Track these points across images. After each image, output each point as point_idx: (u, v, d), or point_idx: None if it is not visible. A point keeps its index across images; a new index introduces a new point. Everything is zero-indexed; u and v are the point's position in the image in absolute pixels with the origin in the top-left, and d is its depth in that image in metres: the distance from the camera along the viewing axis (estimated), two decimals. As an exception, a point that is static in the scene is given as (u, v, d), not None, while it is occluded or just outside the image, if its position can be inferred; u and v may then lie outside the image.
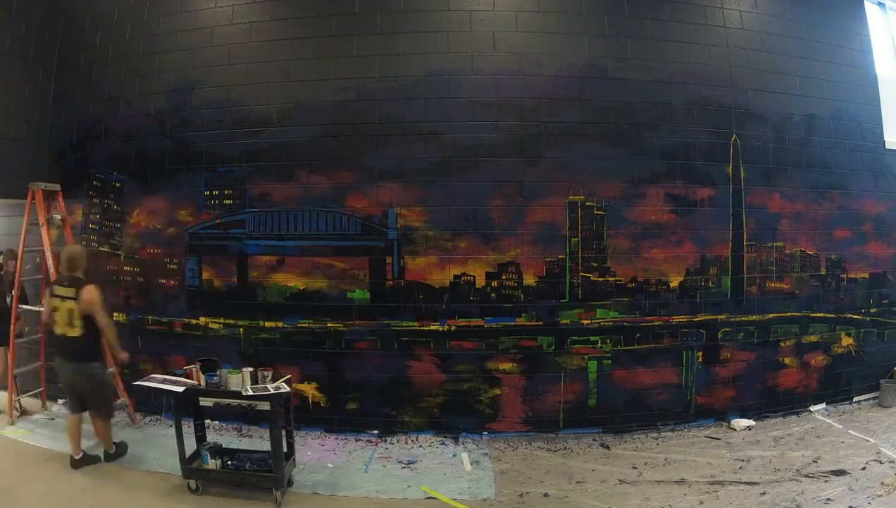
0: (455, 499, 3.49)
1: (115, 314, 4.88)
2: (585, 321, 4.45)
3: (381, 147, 4.44)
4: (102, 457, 3.93)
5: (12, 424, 4.53)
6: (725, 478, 3.67)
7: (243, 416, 4.54)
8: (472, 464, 4.00)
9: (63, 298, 3.74)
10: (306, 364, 4.49)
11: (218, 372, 3.42)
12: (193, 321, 4.68)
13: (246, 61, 4.61)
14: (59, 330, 3.78)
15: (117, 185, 4.91)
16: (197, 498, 3.44)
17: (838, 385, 5.01)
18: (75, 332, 3.73)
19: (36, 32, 5.00)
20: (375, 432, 4.46)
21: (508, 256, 4.41)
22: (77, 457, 3.81)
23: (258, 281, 4.54)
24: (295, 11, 4.61)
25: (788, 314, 4.80)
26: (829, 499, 3.29)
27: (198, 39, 4.72)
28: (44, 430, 4.52)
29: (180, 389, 3.43)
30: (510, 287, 4.42)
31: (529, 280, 4.42)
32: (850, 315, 5.02)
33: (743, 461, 3.94)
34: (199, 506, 3.37)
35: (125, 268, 4.87)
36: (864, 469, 3.72)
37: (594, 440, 4.38)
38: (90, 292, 3.72)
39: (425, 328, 4.42)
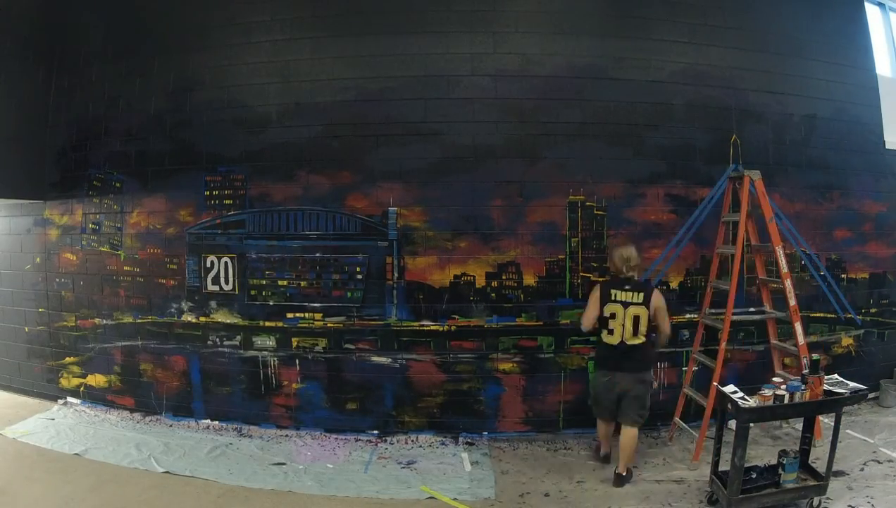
0: (455, 499, 3.50)
1: (116, 314, 4.90)
2: (586, 321, 4.45)
3: (381, 147, 4.43)
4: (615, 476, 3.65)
5: None
6: (725, 478, 3.67)
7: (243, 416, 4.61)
8: (472, 464, 4.01)
9: (626, 303, 3.57)
10: (306, 364, 4.50)
11: None
12: (193, 321, 4.69)
13: (246, 61, 4.61)
14: (614, 340, 3.60)
15: (117, 185, 4.91)
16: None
17: (838, 385, 5.01)
18: (639, 340, 3.57)
19: (36, 32, 5.00)
20: (375, 432, 4.47)
21: (508, 256, 4.41)
22: (620, 472, 3.62)
23: (259, 281, 4.55)
24: (295, 11, 4.60)
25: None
26: (828, 499, 3.29)
27: (198, 39, 4.72)
28: (43, 430, 4.52)
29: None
30: (510, 287, 4.42)
31: (529, 280, 4.43)
32: (850, 315, 5.02)
33: (743, 461, 3.94)
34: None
35: (125, 268, 4.87)
36: (862, 469, 3.73)
37: (594, 440, 4.37)
38: (659, 298, 3.59)
39: (425, 328, 4.42)
